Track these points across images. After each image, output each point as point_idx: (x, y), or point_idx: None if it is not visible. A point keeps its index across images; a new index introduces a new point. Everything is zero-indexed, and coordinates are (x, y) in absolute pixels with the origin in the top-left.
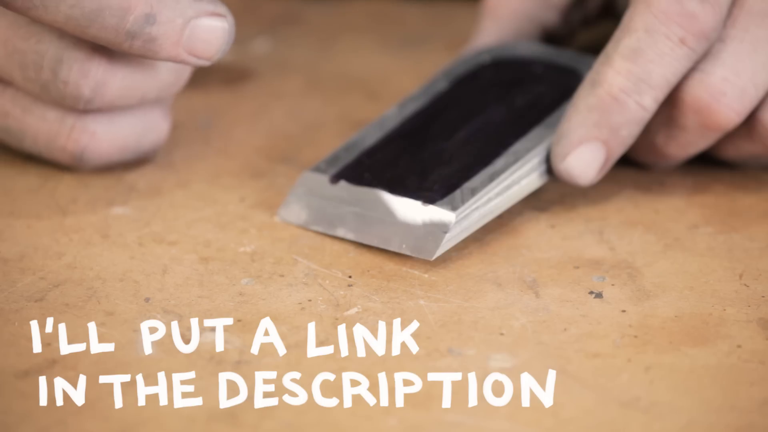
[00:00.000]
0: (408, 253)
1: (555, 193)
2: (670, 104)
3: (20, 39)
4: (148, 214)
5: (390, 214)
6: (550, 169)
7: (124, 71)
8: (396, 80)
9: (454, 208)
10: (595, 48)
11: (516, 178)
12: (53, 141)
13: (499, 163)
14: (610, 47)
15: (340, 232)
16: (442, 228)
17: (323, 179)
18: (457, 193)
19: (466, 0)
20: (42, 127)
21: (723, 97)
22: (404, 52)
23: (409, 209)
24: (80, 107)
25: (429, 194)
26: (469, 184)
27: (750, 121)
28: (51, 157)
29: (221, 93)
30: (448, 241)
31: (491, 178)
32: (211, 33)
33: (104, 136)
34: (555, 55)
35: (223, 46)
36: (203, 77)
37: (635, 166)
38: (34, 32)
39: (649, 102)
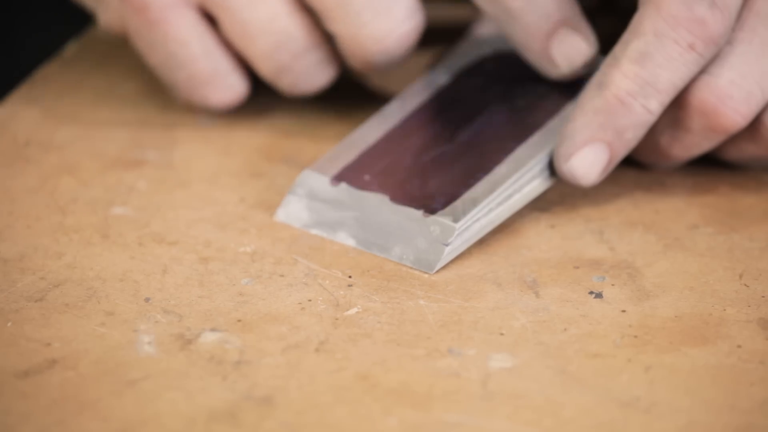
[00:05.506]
0: (409, 264)
1: (555, 193)
2: (676, 106)
3: None
4: (148, 214)
5: (391, 223)
6: (551, 175)
7: None
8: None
9: (455, 220)
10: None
11: (518, 186)
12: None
13: (501, 170)
14: (618, 49)
15: (341, 237)
16: (443, 240)
17: (324, 179)
18: (458, 203)
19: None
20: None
21: (730, 100)
22: None
23: (409, 219)
24: None
25: (430, 203)
26: (470, 194)
27: (754, 123)
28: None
29: None
30: (449, 254)
31: (493, 187)
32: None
33: None
34: None
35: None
36: None
37: (636, 166)
38: None
39: (655, 106)
